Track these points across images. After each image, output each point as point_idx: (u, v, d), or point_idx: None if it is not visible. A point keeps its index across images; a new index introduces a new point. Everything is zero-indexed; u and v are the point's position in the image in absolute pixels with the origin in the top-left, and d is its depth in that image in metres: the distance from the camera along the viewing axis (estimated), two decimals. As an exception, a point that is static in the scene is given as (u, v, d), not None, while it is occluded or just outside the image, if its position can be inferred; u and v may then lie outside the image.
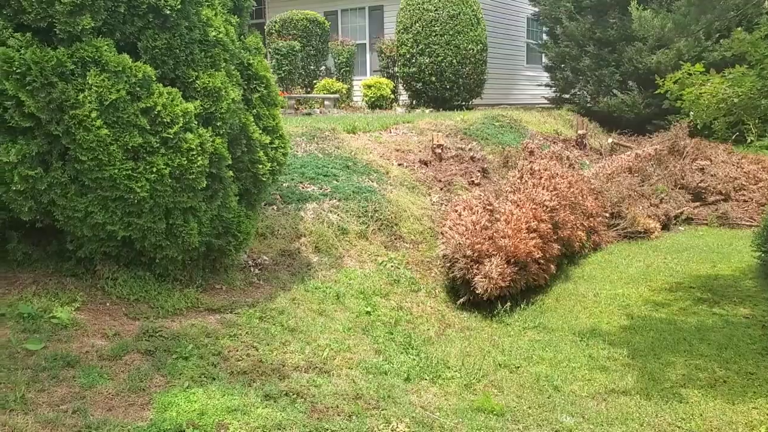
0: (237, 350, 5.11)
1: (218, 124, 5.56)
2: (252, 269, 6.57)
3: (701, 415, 4.87)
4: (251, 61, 6.35)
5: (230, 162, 5.69)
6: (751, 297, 7.69)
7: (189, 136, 5.24)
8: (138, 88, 4.98)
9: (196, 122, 5.34)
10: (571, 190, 9.00)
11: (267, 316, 5.76)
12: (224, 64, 5.76)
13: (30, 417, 3.74)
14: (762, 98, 6.81)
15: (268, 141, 6.25)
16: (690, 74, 7.38)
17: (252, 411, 4.33)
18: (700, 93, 7.28)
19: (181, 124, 5.17)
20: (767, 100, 6.82)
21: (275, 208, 7.60)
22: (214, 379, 4.68)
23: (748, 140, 7.96)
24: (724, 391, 5.25)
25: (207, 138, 5.37)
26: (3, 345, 4.45)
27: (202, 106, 5.43)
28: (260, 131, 6.19)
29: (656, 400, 5.12)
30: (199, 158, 5.27)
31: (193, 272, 6.00)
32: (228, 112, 5.60)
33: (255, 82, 6.40)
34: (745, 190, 13.21)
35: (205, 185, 5.43)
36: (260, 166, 6.09)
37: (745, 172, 13.59)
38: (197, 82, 5.45)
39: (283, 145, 6.49)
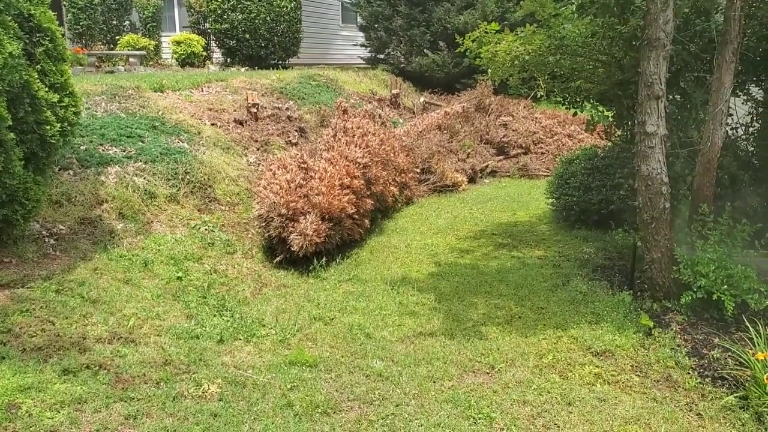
0: (30, 326, 4.73)
1: (-7, 81, 5.00)
2: (47, 240, 6.06)
3: (498, 349, 5.29)
4: (32, 12, 5.75)
5: (11, 123, 5.16)
6: (545, 240, 8.44)
7: (-43, 93, 4.67)
8: None
9: (-35, 78, 4.77)
10: (383, 147, 9.25)
11: (65, 288, 5.38)
12: (-2, 14, 5.17)
13: None
14: (550, 55, 7.38)
15: (56, 99, 5.74)
16: (487, 32, 7.79)
17: (48, 387, 4.07)
18: (496, 51, 7.73)
19: (-54, 81, 4.60)
20: (554, 57, 7.41)
21: (71, 173, 7.02)
22: (4, 358, 4.34)
23: (538, 95, 8.62)
24: (519, 326, 5.74)
25: (-20, 96, 4.83)
26: None
27: (-29, 60, 4.85)
28: (46, 89, 5.66)
29: (459, 339, 5.48)
30: (-29, 119, 4.73)
31: (-25, 246, 5.43)
32: (5, 67, 5.06)
33: (38, 34, 5.82)
34: (542, 143, 14.42)
35: (-20, 149, 4.89)
36: (48, 127, 5.59)
37: (542, 127, 14.81)
38: (-36, 33, 4.85)
39: (74, 104, 5.99)
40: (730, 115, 6.25)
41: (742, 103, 7.04)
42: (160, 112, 9.38)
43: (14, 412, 3.78)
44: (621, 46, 6.82)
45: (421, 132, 12.36)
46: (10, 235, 5.73)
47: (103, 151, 7.67)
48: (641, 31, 5.94)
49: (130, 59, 15.03)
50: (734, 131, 7.12)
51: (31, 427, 3.68)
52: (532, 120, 15.04)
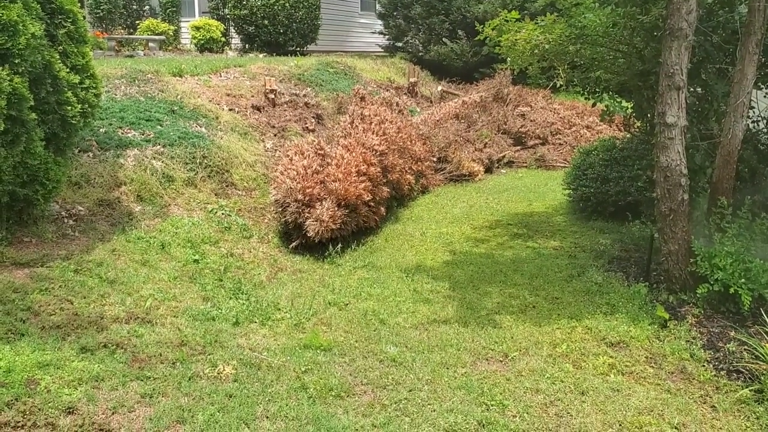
0: (49, 304, 4.80)
1: (16, 61, 5.05)
2: (66, 220, 6.13)
3: (512, 337, 5.29)
4: (55, -7, 5.80)
5: (33, 103, 5.22)
6: (560, 231, 8.40)
7: (-20, 73, 4.73)
8: None
9: (-12, 59, 4.82)
10: (400, 135, 9.24)
11: (83, 268, 5.44)
12: (20, -6, 5.22)
13: None
14: (570, 44, 7.33)
15: (77, 81, 5.79)
16: (507, 21, 7.75)
17: (66, 365, 4.13)
18: (516, 39, 7.68)
19: (-30, 61, 4.65)
20: (575, 47, 7.35)
21: (91, 154, 7.09)
22: (24, 335, 4.39)
23: (558, 85, 8.55)
24: (533, 315, 5.73)
25: (3, 77, 4.88)
26: None
27: (-5, 40, 4.89)
28: (68, 70, 5.72)
29: (473, 327, 5.49)
30: (-6, 98, 4.78)
31: (-4, 225, 5.50)
32: (27, 48, 5.11)
33: (60, 16, 5.87)
34: (560, 134, 14.31)
35: (3, 129, 4.94)
36: (69, 108, 5.64)
37: (561, 118, 14.69)
38: (-12, 14, 4.89)
39: (94, 86, 6.05)
40: (752, 107, 6.17)
41: (764, 96, 6.95)
42: (178, 97, 9.43)
43: (33, 388, 3.84)
44: (642, 36, 6.75)
45: (438, 121, 12.32)
46: (31, 215, 5.80)
47: (122, 134, 7.73)
48: (663, 21, 5.87)
49: (150, 44, 15.10)
50: (755, 124, 7.03)
51: (49, 402, 3.74)
52: (551, 111, 14.92)
